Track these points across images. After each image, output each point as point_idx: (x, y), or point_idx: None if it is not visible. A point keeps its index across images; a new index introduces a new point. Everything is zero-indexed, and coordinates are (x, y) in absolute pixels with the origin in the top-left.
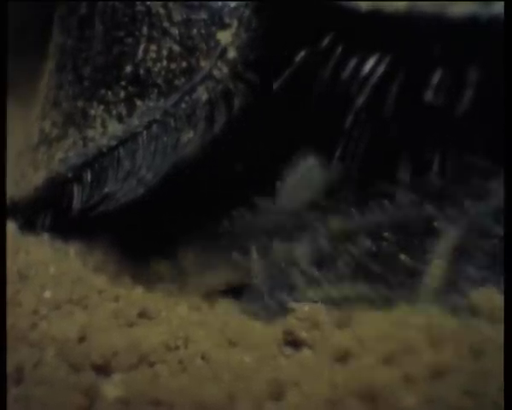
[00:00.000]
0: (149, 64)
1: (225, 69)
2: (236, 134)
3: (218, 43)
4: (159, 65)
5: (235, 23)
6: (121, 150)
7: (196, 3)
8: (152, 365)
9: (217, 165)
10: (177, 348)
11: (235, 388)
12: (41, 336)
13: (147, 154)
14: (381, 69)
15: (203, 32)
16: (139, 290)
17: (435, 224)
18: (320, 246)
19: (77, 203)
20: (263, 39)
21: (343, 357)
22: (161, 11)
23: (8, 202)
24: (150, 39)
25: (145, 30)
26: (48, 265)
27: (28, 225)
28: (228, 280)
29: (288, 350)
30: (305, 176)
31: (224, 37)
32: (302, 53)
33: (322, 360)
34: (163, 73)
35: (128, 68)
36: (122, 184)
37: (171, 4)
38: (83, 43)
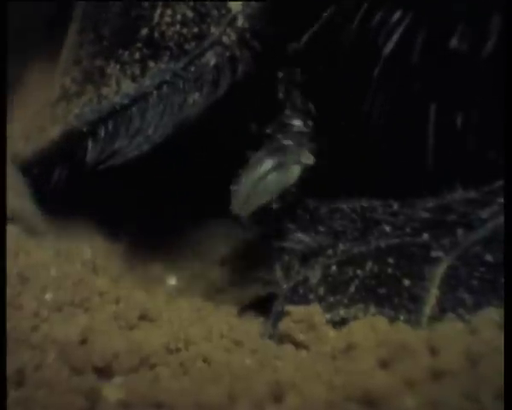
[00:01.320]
0: (164, 28)
1: (233, 36)
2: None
3: (228, 10)
4: (172, 29)
5: None
6: (133, 109)
7: None
8: (153, 367)
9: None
10: (178, 350)
11: (235, 389)
12: (42, 338)
13: (156, 113)
14: (407, 20)
15: None
16: (140, 293)
17: (431, 252)
18: (332, 272)
19: (90, 157)
20: (271, 9)
21: (341, 358)
22: None
23: (19, 159)
24: (166, 4)
25: None
26: (49, 267)
27: (43, 177)
28: (257, 295)
29: (286, 352)
30: (260, 181)
31: (235, 5)
32: (329, 10)
33: (320, 361)
34: (175, 37)
35: (144, 31)
36: (131, 140)
37: None
38: (102, 5)
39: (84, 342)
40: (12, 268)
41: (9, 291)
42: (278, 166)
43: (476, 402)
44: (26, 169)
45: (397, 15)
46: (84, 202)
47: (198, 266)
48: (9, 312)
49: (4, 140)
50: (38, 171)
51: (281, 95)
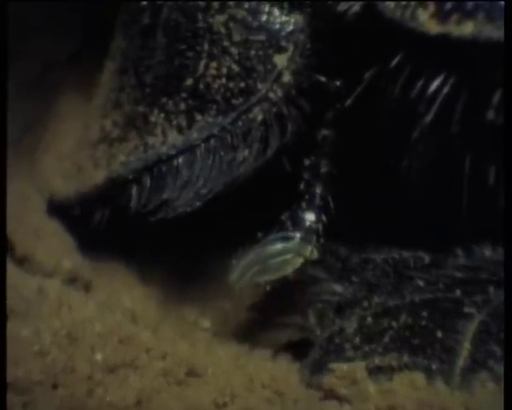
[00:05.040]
0: (209, 80)
1: (280, 92)
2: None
3: (274, 66)
4: (218, 82)
5: (291, 47)
6: (180, 160)
7: (255, 25)
8: None
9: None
10: (224, 404)
11: None
12: (98, 402)
13: (204, 166)
14: (446, 89)
15: (261, 53)
16: (182, 345)
17: (464, 308)
18: (367, 322)
19: (134, 203)
20: (316, 65)
21: None
22: (222, 30)
23: (59, 197)
24: (211, 56)
25: (206, 46)
26: (93, 322)
27: (84, 219)
28: (291, 339)
29: (330, 407)
30: (261, 263)
31: (280, 60)
32: (372, 72)
33: None
34: (222, 90)
35: (189, 81)
36: (180, 192)
37: (231, 24)
38: (145, 51)
39: (139, 403)
40: (60, 328)
41: (60, 355)
42: (280, 254)
43: None
44: (67, 208)
45: (436, 83)
46: (121, 244)
47: (230, 308)
48: (64, 377)
49: (5, 157)
50: (79, 212)
51: (302, 186)
